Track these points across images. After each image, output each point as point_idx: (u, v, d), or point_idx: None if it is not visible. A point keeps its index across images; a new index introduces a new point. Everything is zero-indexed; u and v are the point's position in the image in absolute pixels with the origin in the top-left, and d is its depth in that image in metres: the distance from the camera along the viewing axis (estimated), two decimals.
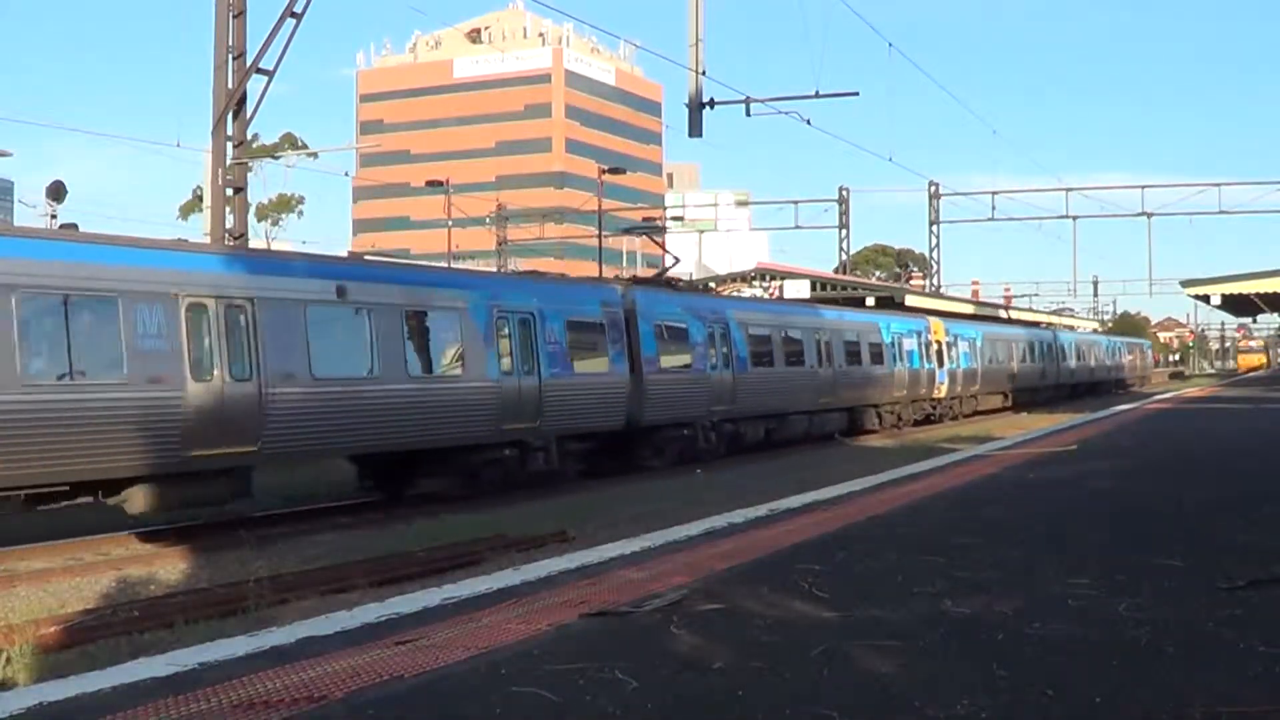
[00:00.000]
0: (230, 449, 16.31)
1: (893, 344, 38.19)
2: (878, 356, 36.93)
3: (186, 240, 21.86)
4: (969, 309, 58.34)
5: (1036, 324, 66.14)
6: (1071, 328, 73.84)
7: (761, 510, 11.72)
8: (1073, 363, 63.35)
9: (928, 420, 40.93)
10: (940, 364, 42.11)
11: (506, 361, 21.18)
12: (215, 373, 16.23)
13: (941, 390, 42.18)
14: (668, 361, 25.78)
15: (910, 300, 51.17)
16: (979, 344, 46.61)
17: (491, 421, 20.61)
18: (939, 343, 42.08)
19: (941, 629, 6.30)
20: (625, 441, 24.44)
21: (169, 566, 14.38)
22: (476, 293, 21.29)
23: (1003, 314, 66.12)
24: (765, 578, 7.85)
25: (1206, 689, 5.10)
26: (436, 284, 21.29)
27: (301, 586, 11.92)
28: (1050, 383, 57.59)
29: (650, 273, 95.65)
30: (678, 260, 35.25)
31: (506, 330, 21.28)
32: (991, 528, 10.28)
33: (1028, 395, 52.63)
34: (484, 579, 8.46)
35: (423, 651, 5.96)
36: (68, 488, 14.95)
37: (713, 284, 56.29)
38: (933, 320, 42.78)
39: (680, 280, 36.61)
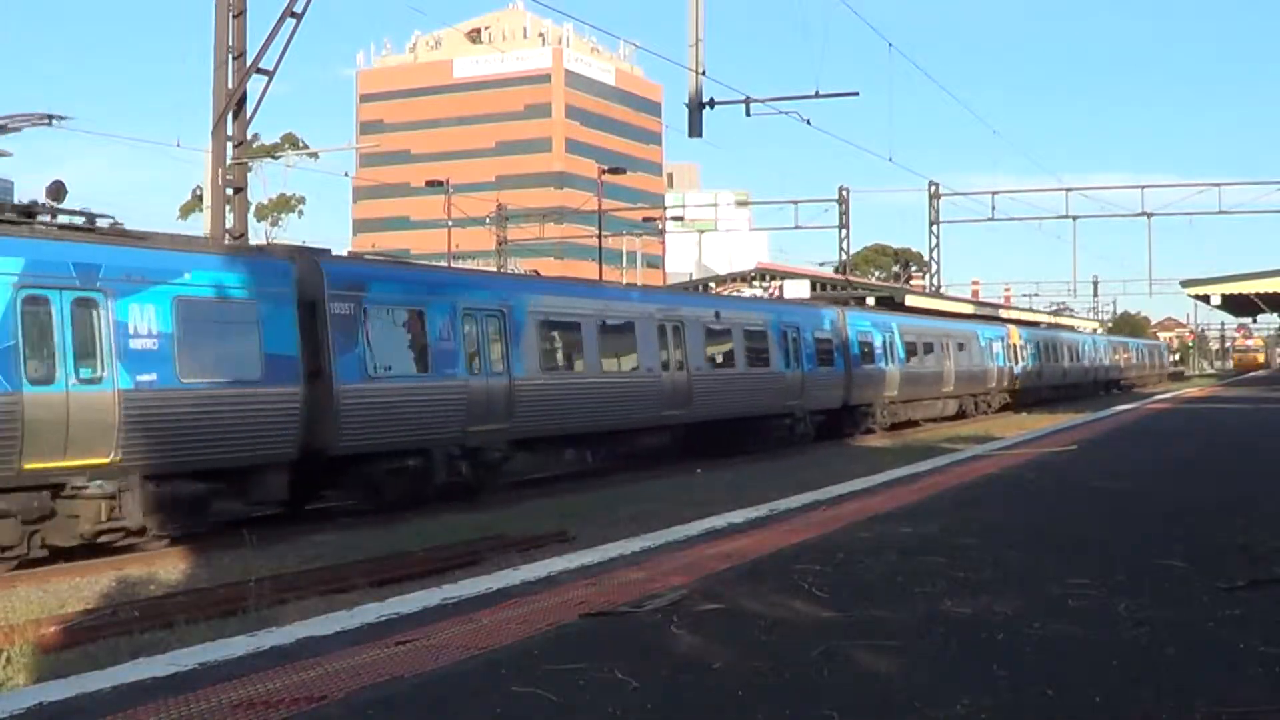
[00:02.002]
0: (676, 411, 26.04)
1: (986, 346, 47.65)
2: (979, 357, 46.67)
3: (650, 285, 36.32)
4: (969, 309, 58.70)
5: (1079, 329, 77.79)
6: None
7: (761, 510, 11.71)
8: (1107, 361, 74.35)
9: (1005, 408, 48.98)
10: (1016, 362, 51.50)
11: (787, 360, 31.06)
12: (672, 365, 26.07)
13: (1017, 384, 51.33)
14: (865, 361, 35.60)
15: (910, 300, 51.35)
16: (1041, 345, 56.77)
17: (779, 399, 30.48)
18: (1014, 345, 51.56)
19: (941, 629, 6.30)
20: (836, 416, 34.03)
21: (169, 566, 14.38)
22: (772, 314, 31.86)
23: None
24: (765, 578, 7.85)
25: (1206, 689, 5.11)
26: (756, 309, 32.80)
27: (301, 586, 11.91)
28: (1090, 379, 68.26)
29: (650, 274, 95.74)
30: (842, 302, 44.40)
31: (787, 340, 31.20)
32: (991, 528, 10.28)
33: (1075, 390, 62.54)
34: (484, 579, 8.45)
35: (423, 651, 5.96)
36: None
37: (712, 284, 56.27)
38: (1010, 327, 53.20)
39: (852, 299, 47.70)
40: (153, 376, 15.22)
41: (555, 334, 22.86)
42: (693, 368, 26.56)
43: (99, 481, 14.44)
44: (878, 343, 36.67)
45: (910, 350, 39.18)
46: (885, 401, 37.01)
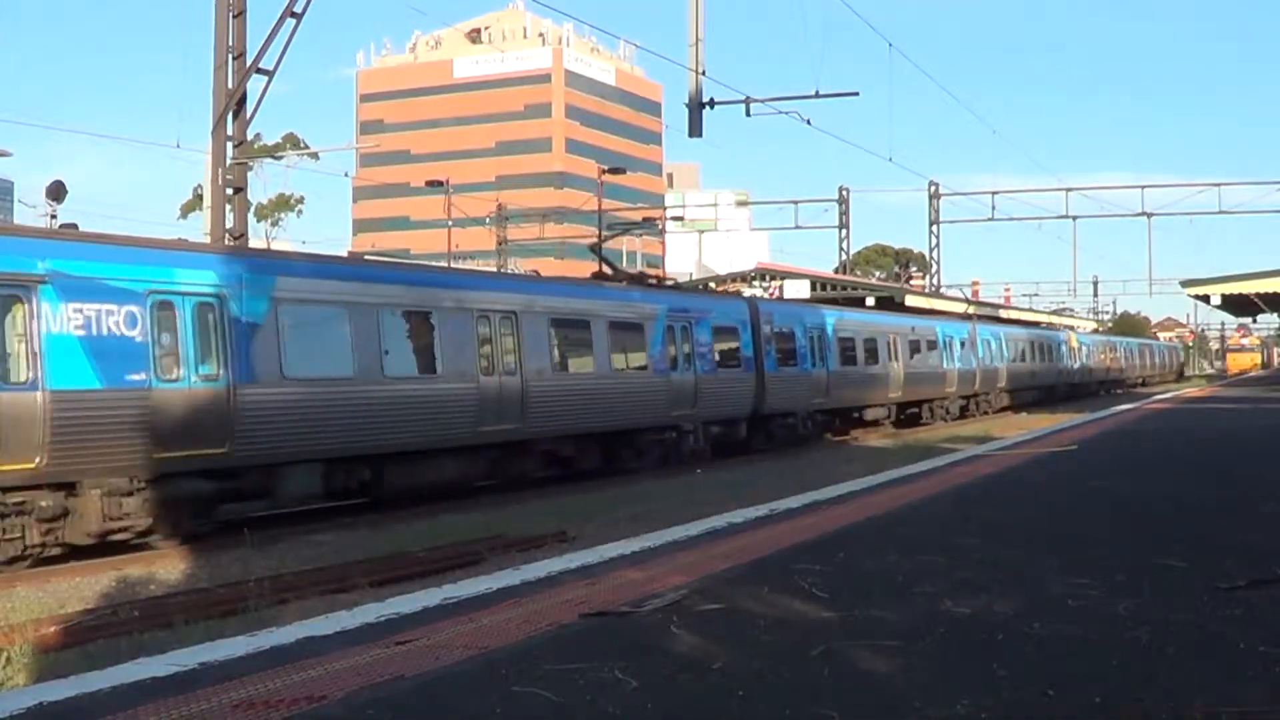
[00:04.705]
0: (896, 393, 38.56)
1: (1058, 348, 60.59)
2: (1054, 356, 59.79)
3: (888, 310, 46.46)
4: (968, 309, 58.76)
5: (1112, 334, 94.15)
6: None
7: (761, 510, 11.71)
8: (1137, 360, 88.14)
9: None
10: (1076, 361, 64.84)
11: (946, 359, 43.34)
12: (893, 362, 38.22)
13: (1075, 378, 64.58)
14: (987, 360, 48.05)
15: (910, 300, 51.34)
16: (1090, 347, 70.80)
17: (941, 387, 43.06)
18: (1074, 348, 64.71)
19: (941, 629, 6.30)
20: (967, 400, 46.83)
21: (169, 566, 14.37)
22: (938, 327, 43.39)
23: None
24: (765, 578, 7.85)
25: (1206, 689, 5.11)
26: (929, 324, 43.17)
27: (301, 586, 11.92)
28: (1124, 376, 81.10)
29: (650, 274, 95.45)
30: (969, 317, 53.23)
31: (948, 345, 43.51)
32: (991, 528, 10.28)
33: (1114, 385, 75.86)
34: (484, 579, 8.45)
35: (423, 651, 5.96)
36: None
37: (712, 284, 56.24)
38: (1069, 332, 67.37)
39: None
40: (706, 367, 27.37)
41: (844, 341, 35.02)
42: (902, 364, 38.72)
43: (689, 426, 26.44)
44: (994, 347, 49.49)
45: (1018, 352, 52.79)
46: (999, 390, 49.73)
